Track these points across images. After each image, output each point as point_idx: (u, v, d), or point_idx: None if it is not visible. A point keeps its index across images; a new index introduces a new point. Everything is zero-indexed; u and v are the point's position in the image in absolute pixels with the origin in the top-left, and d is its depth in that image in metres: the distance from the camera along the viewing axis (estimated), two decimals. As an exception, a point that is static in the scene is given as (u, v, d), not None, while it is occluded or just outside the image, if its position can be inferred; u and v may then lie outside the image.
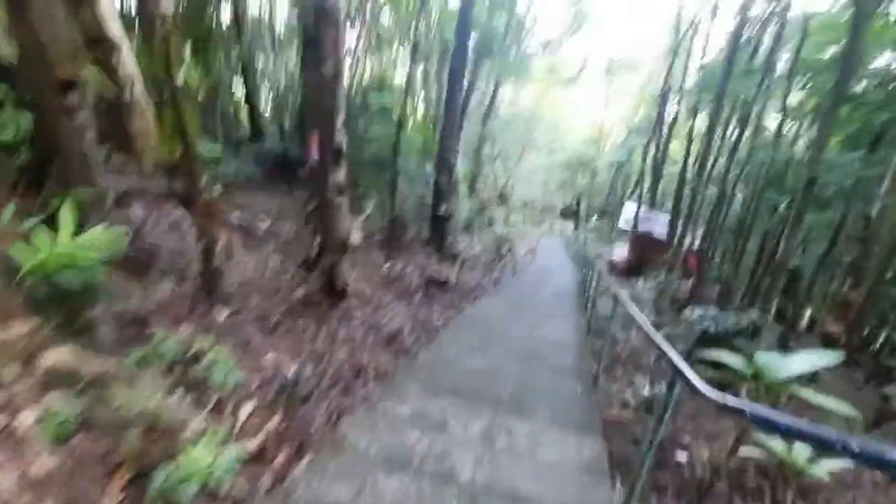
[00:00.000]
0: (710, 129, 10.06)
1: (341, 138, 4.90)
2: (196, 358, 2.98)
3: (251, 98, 13.14)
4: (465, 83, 13.99)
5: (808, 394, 3.16)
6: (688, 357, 6.05)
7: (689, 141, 15.05)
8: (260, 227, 7.19)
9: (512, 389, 4.12)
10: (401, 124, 8.24)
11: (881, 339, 6.88)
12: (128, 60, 5.20)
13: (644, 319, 3.77)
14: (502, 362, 4.66)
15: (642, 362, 6.32)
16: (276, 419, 3.05)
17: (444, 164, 9.83)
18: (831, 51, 8.77)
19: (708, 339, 5.98)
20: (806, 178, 5.79)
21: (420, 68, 14.30)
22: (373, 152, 12.71)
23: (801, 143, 10.49)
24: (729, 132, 17.37)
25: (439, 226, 10.46)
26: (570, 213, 45.00)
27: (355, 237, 5.51)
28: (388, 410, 3.35)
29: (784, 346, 5.86)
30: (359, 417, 3.21)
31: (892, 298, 6.77)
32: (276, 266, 6.04)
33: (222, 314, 4.08)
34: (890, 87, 7.49)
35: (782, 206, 9.12)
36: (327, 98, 4.73)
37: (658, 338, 3.02)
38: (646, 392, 5.29)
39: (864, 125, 7.69)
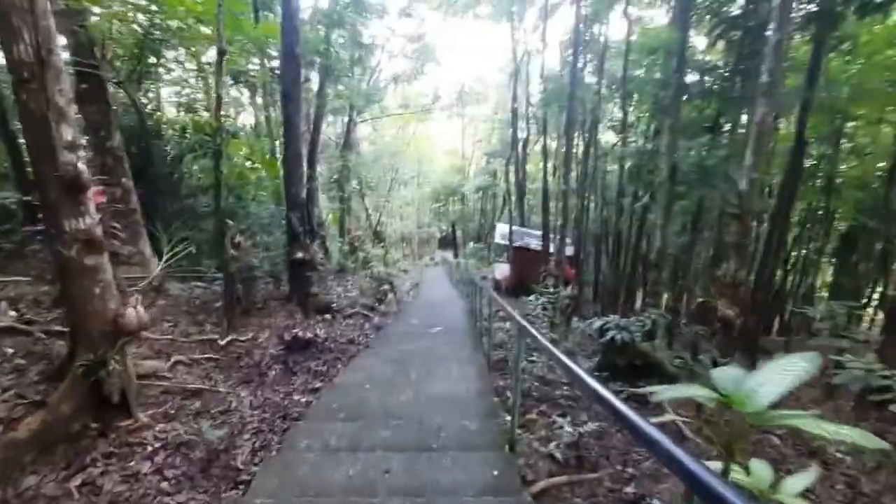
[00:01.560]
0: (568, 133, 10.24)
1: (73, 159, 3.07)
2: None
3: None
4: (311, 110, 12.60)
5: (811, 424, 2.25)
6: (601, 377, 5.22)
7: (545, 155, 15.66)
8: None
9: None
10: (218, 156, 6.41)
11: (778, 319, 7.28)
12: None
13: (550, 346, 2.67)
14: (380, 462, 3.16)
15: (553, 394, 5.35)
16: None
17: (293, 201, 8.17)
18: (655, 58, 9.63)
19: (615, 350, 5.28)
20: (668, 167, 5.78)
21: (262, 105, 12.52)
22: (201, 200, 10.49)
23: (647, 137, 11.41)
24: (580, 139, 18.72)
25: (300, 274, 8.66)
26: (449, 241, 45.62)
27: (134, 316, 3.60)
28: None
29: (694, 346, 5.52)
30: None
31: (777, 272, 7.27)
32: None
33: None
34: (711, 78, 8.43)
35: (645, 199, 9.48)
36: (31, 101, 2.90)
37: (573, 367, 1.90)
38: (569, 435, 4.24)
39: (699, 115, 8.49)
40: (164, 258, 5.31)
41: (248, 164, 12.45)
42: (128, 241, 9.11)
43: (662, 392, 3.00)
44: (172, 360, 5.51)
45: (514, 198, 23.54)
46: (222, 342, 6.31)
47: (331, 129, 24.33)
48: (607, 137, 21.05)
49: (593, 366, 5.45)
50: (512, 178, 25.03)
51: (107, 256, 3.37)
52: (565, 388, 5.18)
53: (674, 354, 5.31)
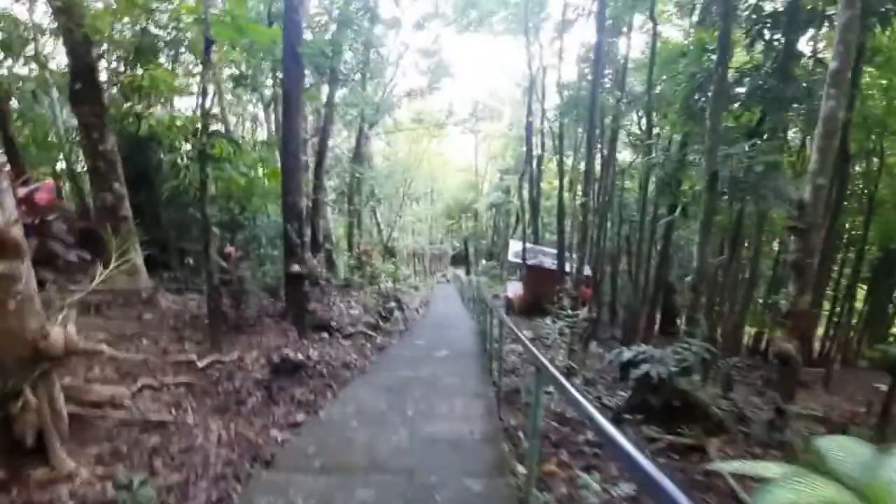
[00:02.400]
0: (589, 140, 9.55)
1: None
2: None
3: None
4: (320, 121, 12.17)
5: None
6: (634, 420, 4.38)
7: (561, 171, 15.01)
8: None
9: None
10: (204, 158, 5.86)
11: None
12: None
13: (580, 398, 1.92)
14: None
15: (575, 438, 4.53)
16: None
17: (291, 211, 7.59)
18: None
19: (648, 387, 4.45)
20: (707, 175, 5.05)
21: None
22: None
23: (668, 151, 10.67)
24: (598, 154, 18.03)
25: (296, 289, 8.02)
26: (461, 258, 44.93)
27: (61, 337, 2.95)
28: None
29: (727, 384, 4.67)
30: None
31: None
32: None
33: None
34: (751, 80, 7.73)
35: (674, 214, 8.69)
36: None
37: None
38: (596, 496, 3.42)
39: (734, 122, 7.78)
40: (111, 266, 4.67)
41: (253, 173, 12.06)
42: (118, 251, 8.64)
43: (734, 467, 2.23)
44: (139, 384, 4.85)
45: (527, 215, 22.84)
46: (201, 364, 5.65)
47: (345, 144, 24.13)
48: (623, 156, 20.37)
49: (621, 405, 4.64)
50: (525, 194, 24.39)
51: (28, 263, 2.75)
52: (590, 431, 4.36)
53: (717, 393, 4.48)
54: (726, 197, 6.76)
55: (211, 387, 5.35)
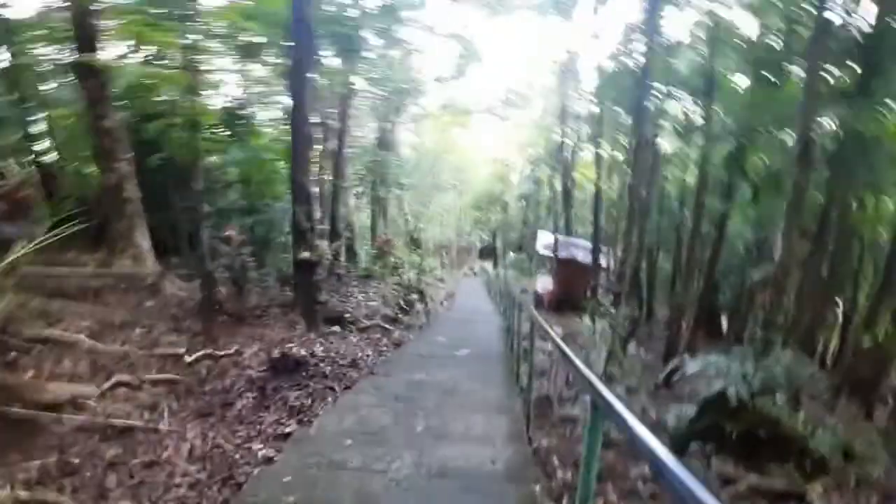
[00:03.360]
0: (639, 116, 8.38)
1: None
2: None
3: None
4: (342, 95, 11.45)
5: None
6: (702, 451, 3.45)
7: (598, 158, 13.83)
8: None
9: None
10: (195, 126, 5.20)
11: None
12: None
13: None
14: None
15: (626, 472, 3.61)
16: None
17: (300, 192, 6.90)
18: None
19: (723, 410, 3.48)
20: (799, 143, 4.02)
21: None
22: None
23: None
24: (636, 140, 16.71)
25: (306, 278, 7.36)
26: (489, 251, 43.89)
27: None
28: None
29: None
30: None
31: None
32: None
33: None
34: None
35: (746, 194, 7.48)
36: None
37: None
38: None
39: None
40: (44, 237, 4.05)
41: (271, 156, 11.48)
42: (123, 234, 8.22)
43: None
44: (113, 380, 4.25)
45: (559, 206, 21.62)
46: (190, 358, 5.02)
47: (372, 134, 23.50)
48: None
49: (683, 429, 3.68)
50: (558, 185, 23.15)
51: None
52: (647, 464, 3.44)
53: (817, 420, 3.46)
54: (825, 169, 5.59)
55: (197, 385, 4.72)
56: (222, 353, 5.48)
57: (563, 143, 20.26)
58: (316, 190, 9.66)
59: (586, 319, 6.14)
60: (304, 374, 5.24)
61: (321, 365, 5.54)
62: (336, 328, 7.55)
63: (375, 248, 15.45)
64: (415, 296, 13.88)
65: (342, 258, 12.66)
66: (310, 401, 4.56)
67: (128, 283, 7.72)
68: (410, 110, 26.01)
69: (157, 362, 4.96)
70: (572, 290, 18.11)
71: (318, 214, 14.02)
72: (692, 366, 3.79)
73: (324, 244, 11.49)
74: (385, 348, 7.71)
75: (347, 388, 4.88)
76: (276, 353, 5.66)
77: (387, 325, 9.36)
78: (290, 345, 6.18)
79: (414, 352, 7.00)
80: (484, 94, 29.53)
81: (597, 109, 19.65)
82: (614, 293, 7.35)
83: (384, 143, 20.85)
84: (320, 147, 11.79)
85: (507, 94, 30.39)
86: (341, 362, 5.79)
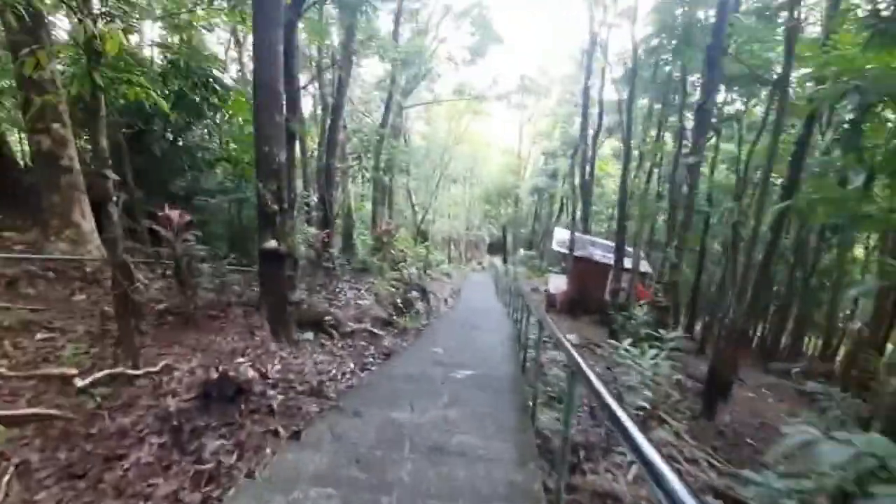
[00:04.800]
0: (708, 88, 6.68)
1: None
2: None
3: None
4: (337, 56, 9.95)
5: None
6: None
7: (627, 146, 12.20)
8: None
9: None
10: (92, 58, 3.77)
11: None
12: None
13: None
14: None
15: None
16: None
17: (265, 162, 5.47)
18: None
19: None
20: None
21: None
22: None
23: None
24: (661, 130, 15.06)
25: (273, 273, 5.95)
26: (498, 246, 42.34)
27: None
28: None
29: None
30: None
31: None
32: None
33: None
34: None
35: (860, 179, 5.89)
36: None
37: None
38: None
39: None
40: None
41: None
42: (58, 211, 6.87)
43: None
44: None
45: (577, 201, 19.97)
46: (83, 382, 3.65)
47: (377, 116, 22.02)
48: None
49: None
50: (577, 181, 21.50)
51: None
52: None
53: None
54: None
55: (82, 425, 3.34)
56: (140, 372, 4.10)
57: (584, 129, 18.59)
58: (318, 176, 8.20)
59: (627, 347, 4.58)
60: (243, 406, 3.85)
61: (271, 393, 4.14)
62: (310, 335, 6.14)
63: (373, 239, 14.04)
64: (415, 294, 12.48)
65: (334, 249, 11.25)
66: (234, 457, 3.15)
67: (60, 272, 6.42)
68: (420, 94, 24.55)
69: (36, 387, 3.59)
70: (588, 291, 16.59)
71: (313, 197, 12.67)
72: (796, 442, 2.33)
73: (311, 232, 10.10)
74: (369, 362, 6.32)
75: (295, 434, 3.46)
76: (213, 374, 4.28)
77: (376, 331, 7.98)
78: (241, 360, 4.80)
79: (402, 371, 5.57)
80: (499, 80, 27.78)
81: (624, 96, 18.03)
82: (657, 305, 5.84)
83: (392, 127, 19.43)
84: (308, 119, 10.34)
85: (523, 81, 28.73)
86: (300, 388, 4.37)
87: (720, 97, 13.56)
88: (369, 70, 20.83)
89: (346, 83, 10.42)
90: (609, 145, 29.74)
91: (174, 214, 5.06)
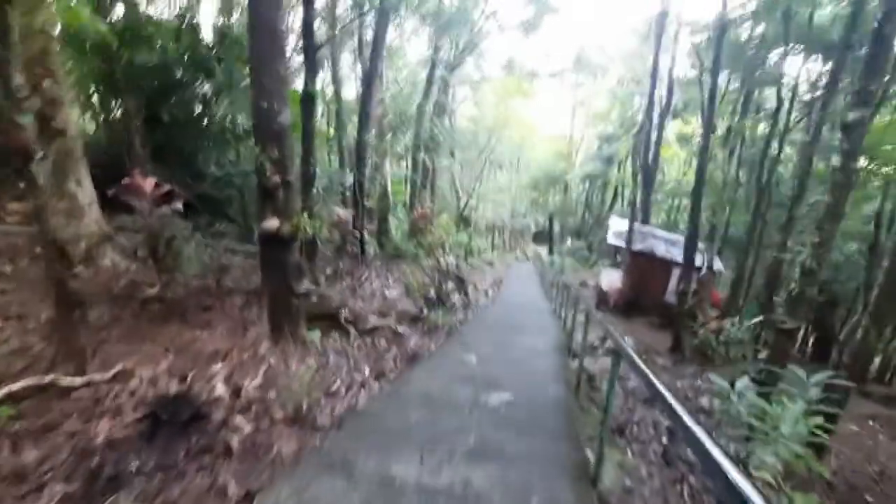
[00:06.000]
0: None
1: None
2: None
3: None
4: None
5: None
6: None
7: (708, 125, 10.26)
8: None
9: None
10: None
11: None
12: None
13: None
14: None
15: None
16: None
17: (265, 121, 4.45)
18: None
19: None
20: None
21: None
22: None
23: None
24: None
25: (274, 259, 4.96)
26: (545, 235, 40.39)
27: None
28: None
29: None
30: None
31: None
32: None
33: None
34: None
35: None
36: None
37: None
38: None
39: None
40: None
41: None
42: (51, 181, 6.23)
43: None
44: None
45: (637, 188, 17.95)
46: (-9, 395, 2.76)
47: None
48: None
49: None
50: (639, 165, 19.38)
51: None
52: None
53: None
54: None
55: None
56: (81, 381, 3.20)
57: (651, 106, 16.53)
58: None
59: (741, 383, 3.16)
60: (194, 440, 2.85)
61: (237, 421, 3.11)
62: (312, 338, 5.12)
63: (409, 223, 12.97)
64: (452, 284, 11.33)
65: (365, 232, 10.26)
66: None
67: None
68: (468, 72, 23.02)
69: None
70: (647, 290, 14.82)
71: (349, 177, 11.68)
72: None
73: (336, 212, 9.12)
74: (388, 368, 5.24)
75: (246, 498, 2.40)
76: (176, 386, 3.32)
77: (401, 329, 6.90)
78: (218, 366, 3.84)
79: (421, 387, 4.43)
80: (552, 55, 25.72)
81: (694, 72, 15.79)
82: (782, 329, 4.25)
83: (436, 105, 18.17)
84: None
85: (579, 57, 26.44)
86: (278, 414, 3.32)
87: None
88: (415, 49, 19.59)
89: (383, 43, 9.21)
90: (672, 128, 27.05)
91: (146, 182, 4.12)
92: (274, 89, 4.43)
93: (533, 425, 3.70)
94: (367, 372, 5.08)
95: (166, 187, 4.30)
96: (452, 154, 24.04)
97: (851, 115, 3.63)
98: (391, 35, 18.80)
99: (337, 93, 11.59)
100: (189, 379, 3.52)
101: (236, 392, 3.42)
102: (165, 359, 3.89)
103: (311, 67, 6.28)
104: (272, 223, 4.79)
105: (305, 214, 5.00)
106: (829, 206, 3.70)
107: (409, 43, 20.19)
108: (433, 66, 13.81)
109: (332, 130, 12.97)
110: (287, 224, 4.84)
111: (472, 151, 30.92)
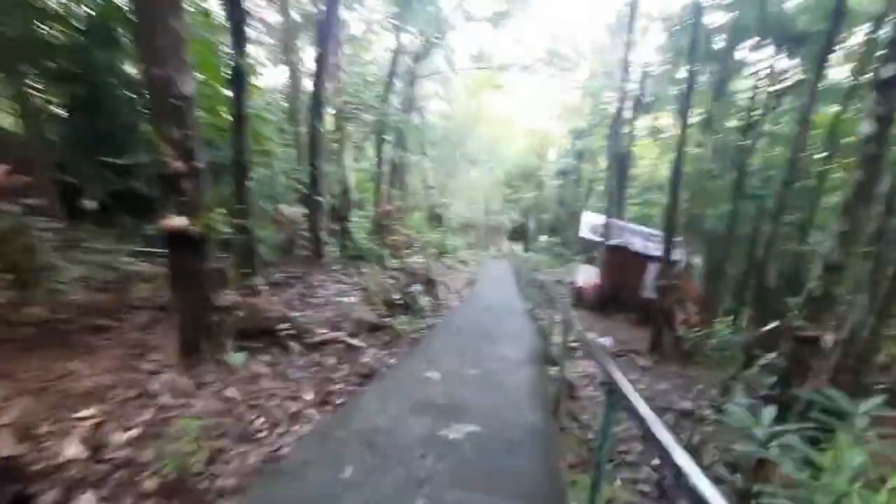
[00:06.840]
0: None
1: None
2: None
3: None
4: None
5: None
6: None
7: (684, 116, 9.77)
8: None
9: None
10: None
11: None
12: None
13: None
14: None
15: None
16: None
17: (159, 93, 3.51)
18: None
19: None
20: None
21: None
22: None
23: None
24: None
25: (184, 263, 4.01)
26: (520, 232, 39.98)
27: None
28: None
29: None
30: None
31: None
32: None
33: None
34: None
35: None
36: None
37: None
38: None
39: None
40: None
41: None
42: None
43: None
44: None
45: (612, 181, 17.53)
46: None
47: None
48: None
49: None
50: (612, 156, 18.98)
51: None
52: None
53: None
54: None
55: None
56: None
57: (619, 106, 16.11)
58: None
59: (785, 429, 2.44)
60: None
61: (80, 502, 2.19)
62: (234, 362, 4.19)
63: (371, 223, 12.04)
64: (419, 287, 10.48)
65: (324, 233, 9.30)
66: None
67: None
68: (436, 61, 22.16)
69: None
70: (623, 285, 14.38)
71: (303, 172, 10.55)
72: None
73: (285, 209, 8.13)
74: (336, 391, 4.37)
75: None
76: (6, 451, 2.37)
77: (356, 341, 6.02)
78: (87, 413, 2.89)
79: (365, 421, 3.57)
80: (524, 49, 25.18)
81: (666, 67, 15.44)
82: (803, 336, 3.50)
83: (404, 98, 17.25)
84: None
85: (549, 51, 25.94)
86: (148, 485, 2.40)
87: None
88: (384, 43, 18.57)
89: (335, 19, 8.21)
90: (644, 122, 26.96)
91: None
92: (166, 48, 3.49)
93: (503, 471, 2.91)
94: (308, 397, 4.22)
95: (22, 179, 3.30)
96: (423, 150, 23.20)
97: (887, 71, 3.02)
98: (357, 27, 17.84)
99: (293, 80, 10.57)
100: (40, 433, 2.58)
101: (95, 451, 2.50)
102: (20, 402, 2.92)
103: (239, 38, 5.31)
104: (176, 221, 3.84)
105: (222, 210, 4.06)
106: (859, 185, 3.08)
107: (378, 36, 19.25)
108: (397, 53, 12.89)
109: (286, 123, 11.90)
110: (195, 222, 3.91)
111: (445, 147, 30.11)
